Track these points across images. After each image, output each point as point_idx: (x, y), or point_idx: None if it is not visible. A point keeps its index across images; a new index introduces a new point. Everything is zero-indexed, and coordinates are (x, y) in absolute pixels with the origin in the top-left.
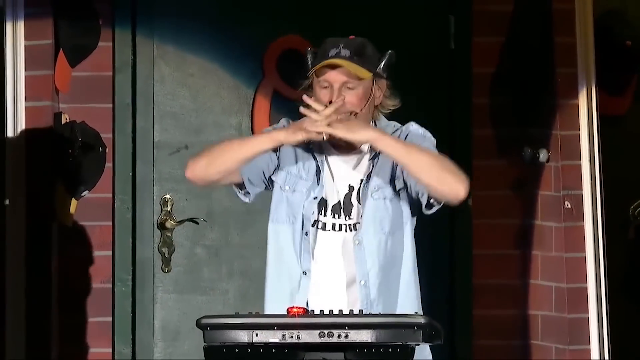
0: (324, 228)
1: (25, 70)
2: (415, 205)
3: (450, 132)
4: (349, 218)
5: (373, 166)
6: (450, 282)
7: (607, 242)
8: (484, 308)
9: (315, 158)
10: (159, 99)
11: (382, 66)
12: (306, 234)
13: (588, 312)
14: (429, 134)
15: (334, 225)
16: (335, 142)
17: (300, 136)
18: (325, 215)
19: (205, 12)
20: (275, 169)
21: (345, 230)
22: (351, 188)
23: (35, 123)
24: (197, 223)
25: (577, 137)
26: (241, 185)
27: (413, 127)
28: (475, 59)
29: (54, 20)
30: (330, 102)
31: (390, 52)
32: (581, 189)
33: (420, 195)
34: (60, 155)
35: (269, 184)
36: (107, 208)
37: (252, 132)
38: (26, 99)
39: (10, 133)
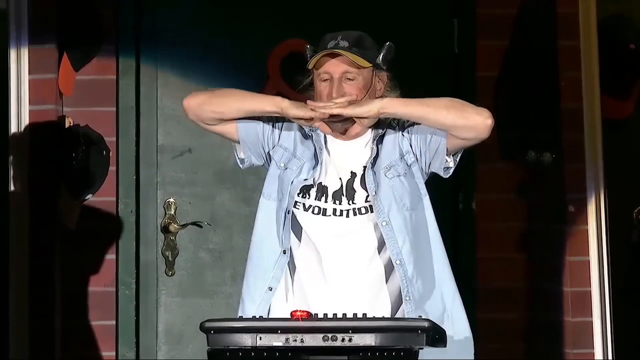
0: (324, 213)
1: (29, 73)
2: (425, 181)
3: None
4: (352, 203)
5: (378, 152)
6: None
7: (610, 246)
8: (488, 312)
9: (314, 144)
10: (163, 103)
11: (381, 57)
12: (288, 212)
13: (592, 316)
14: None
15: (334, 210)
16: (335, 131)
17: (302, 112)
18: (326, 201)
19: (209, 18)
20: (274, 146)
21: (347, 216)
22: (353, 174)
23: (39, 126)
24: (200, 227)
25: (581, 141)
26: (239, 147)
27: None
28: (480, 62)
29: (59, 24)
30: (331, 96)
31: (389, 43)
32: (585, 192)
33: (434, 160)
34: (63, 159)
35: (267, 160)
36: (111, 211)
37: None
38: (30, 103)
39: (14, 136)
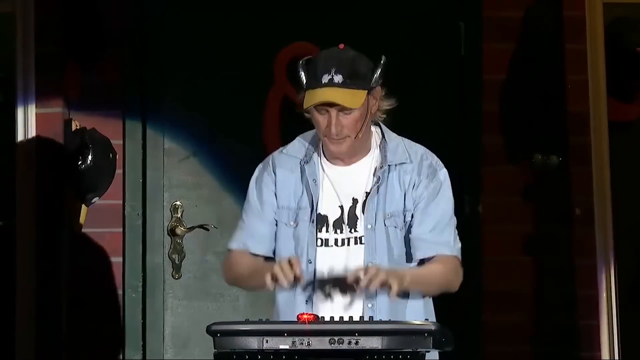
0: (326, 244)
1: (35, 76)
2: None
3: (460, 138)
4: (355, 231)
5: (379, 181)
6: (460, 288)
7: (617, 248)
8: (494, 314)
9: (309, 180)
10: (170, 105)
11: (375, 78)
12: (310, 262)
13: (598, 319)
14: (445, 187)
15: (336, 240)
16: (333, 157)
17: (282, 276)
18: (327, 231)
19: (212, 20)
20: (276, 210)
21: (348, 244)
22: (355, 201)
23: (45, 129)
24: (207, 230)
25: (587, 143)
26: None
27: (433, 183)
28: (486, 65)
29: (65, 27)
30: (329, 129)
31: (383, 60)
32: (591, 195)
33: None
34: (70, 162)
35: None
36: (118, 215)
37: (263, 137)
38: (36, 106)
39: (20, 140)
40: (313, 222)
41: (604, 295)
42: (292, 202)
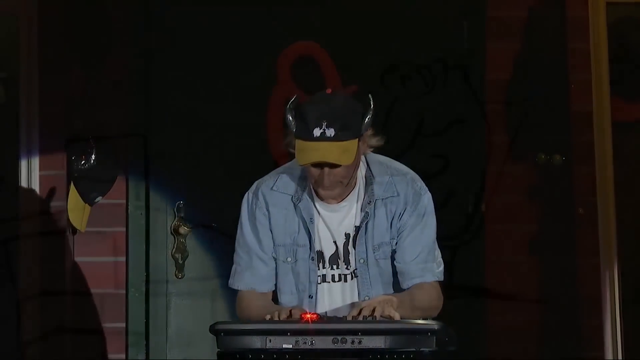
0: (324, 280)
1: (39, 76)
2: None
3: (464, 138)
4: (349, 266)
5: (368, 216)
6: (463, 287)
7: (620, 248)
8: (497, 315)
9: (306, 219)
10: (174, 103)
11: (365, 124)
12: (310, 297)
13: (602, 319)
14: (429, 212)
15: (333, 276)
16: (322, 196)
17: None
18: (324, 267)
19: (217, 19)
20: (273, 248)
21: (345, 280)
22: (347, 236)
23: (48, 129)
24: (210, 229)
25: (591, 143)
26: None
27: (417, 209)
28: (489, 65)
29: (68, 26)
30: (322, 182)
31: (372, 104)
32: (594, 194)
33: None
34: (73, 161)
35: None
36: (121, 214)
37: (267, 137)
38: (40, 103)
39: (23, 138)
40: (313, 259)
41: (607, 295)
42: (288, 238)
